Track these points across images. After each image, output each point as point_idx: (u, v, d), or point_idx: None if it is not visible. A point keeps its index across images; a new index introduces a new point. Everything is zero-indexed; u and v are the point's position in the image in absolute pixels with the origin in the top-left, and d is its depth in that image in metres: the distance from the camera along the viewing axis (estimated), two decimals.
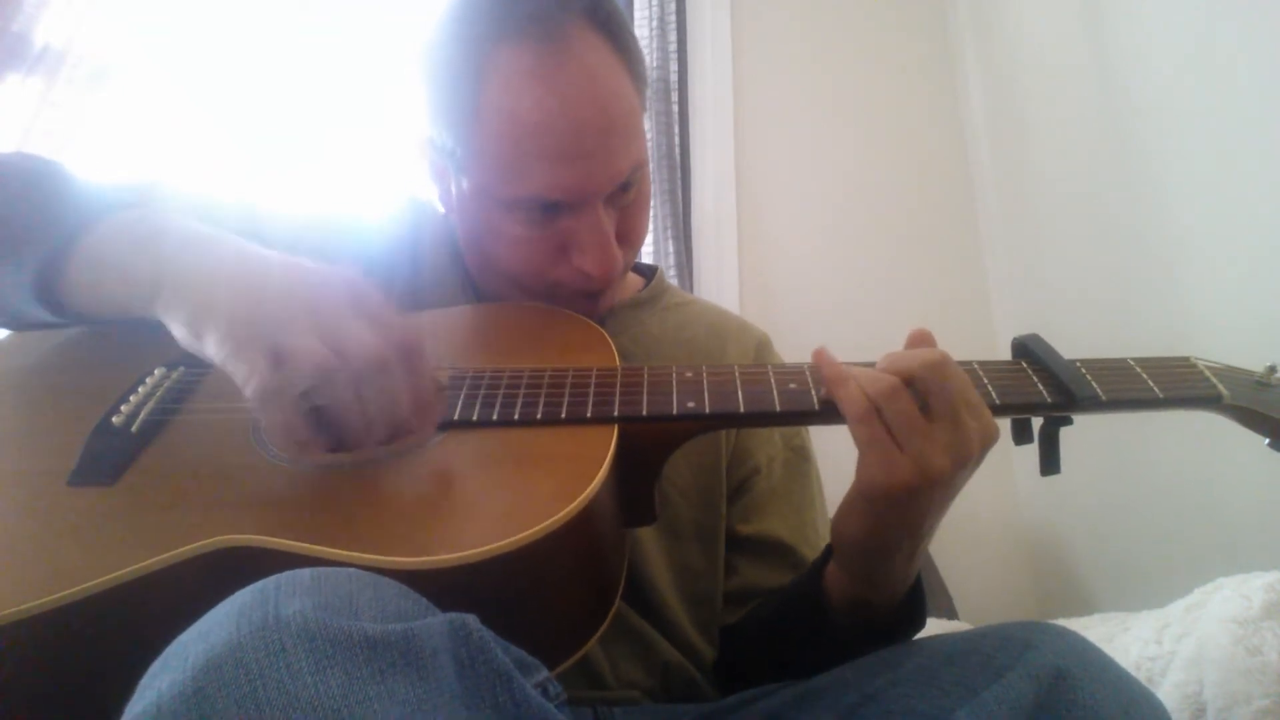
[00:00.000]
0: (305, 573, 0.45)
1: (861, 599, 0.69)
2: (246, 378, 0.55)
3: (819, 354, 0.65)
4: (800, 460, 0.92)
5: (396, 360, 0.57)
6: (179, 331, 0.60)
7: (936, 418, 0.60)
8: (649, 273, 0.98)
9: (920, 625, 0.73)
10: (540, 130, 0.72)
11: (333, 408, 0.56)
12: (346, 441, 0.58)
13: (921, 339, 0.66)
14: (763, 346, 0.95)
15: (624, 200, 0.79)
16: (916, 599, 0.72)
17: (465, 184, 0.79)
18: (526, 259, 0.78)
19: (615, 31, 0.76)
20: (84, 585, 0.52)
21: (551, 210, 0.75)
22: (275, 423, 0.56)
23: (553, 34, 0.72)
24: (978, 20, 2.16)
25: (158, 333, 0.71)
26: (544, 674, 0.50)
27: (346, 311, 0.57)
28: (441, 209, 0.89)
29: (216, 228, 0.65)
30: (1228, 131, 1.35)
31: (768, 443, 0.90)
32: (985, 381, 0.67)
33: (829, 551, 0.72)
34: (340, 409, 0.56)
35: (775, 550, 0.86)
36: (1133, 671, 0.59)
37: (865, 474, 0.62)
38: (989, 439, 0.62)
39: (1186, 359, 0.70)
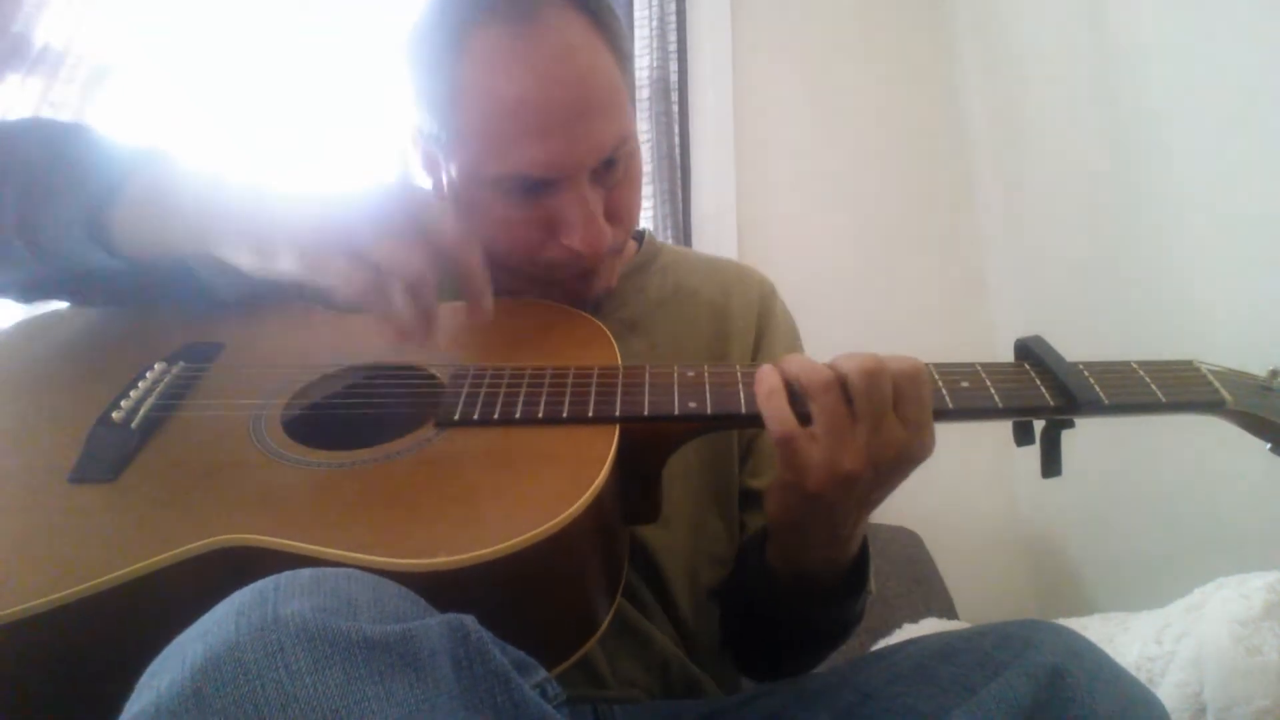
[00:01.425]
0: (304, 573, 0.45)
1: (796, 571, 0.72)
2: (343, 280, 0.58)
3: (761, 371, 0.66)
4: None
5: (452, 263, 0.64)
6: (245, 257, 0.62)
7: (859, 419, 0.61)
8: (639, 237, 0.98)
9: (859, 595, 0.75)
10: (517, 106, 0.72)
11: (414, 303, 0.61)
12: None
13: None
14: (767, 294, 0.96)
15: (611, 178, 0.79)
16: (855, 579, 0.74)
17: (453, 169, 0.79)
18: (516, 241, 0.78)
19: (594, 9, 0.77)
20: (83, 586, 0.52)
21: (536, 189, 0.76)
22: (386, 314, 0.60)
23: (528, 13, 0.73)
24: (978, 20, 2.16)
25: (157, 327, 0.71)
26: (542, 675, 0.50)
27: (410, 207, 0.62)
28: None
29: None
30: (1229, 131, 1.35)
31: None
32: (988, 383, 0.67)
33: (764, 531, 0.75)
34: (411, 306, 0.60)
35: None
36: (1133, 671, 0.59)
37: (780, 473, 0.65)
38: (913, 453, 0.62)
39: (1189, 362, 0.70)
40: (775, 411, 0.62)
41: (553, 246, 0.78)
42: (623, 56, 0.79)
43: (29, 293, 0.78)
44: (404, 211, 0.62)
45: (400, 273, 0.59)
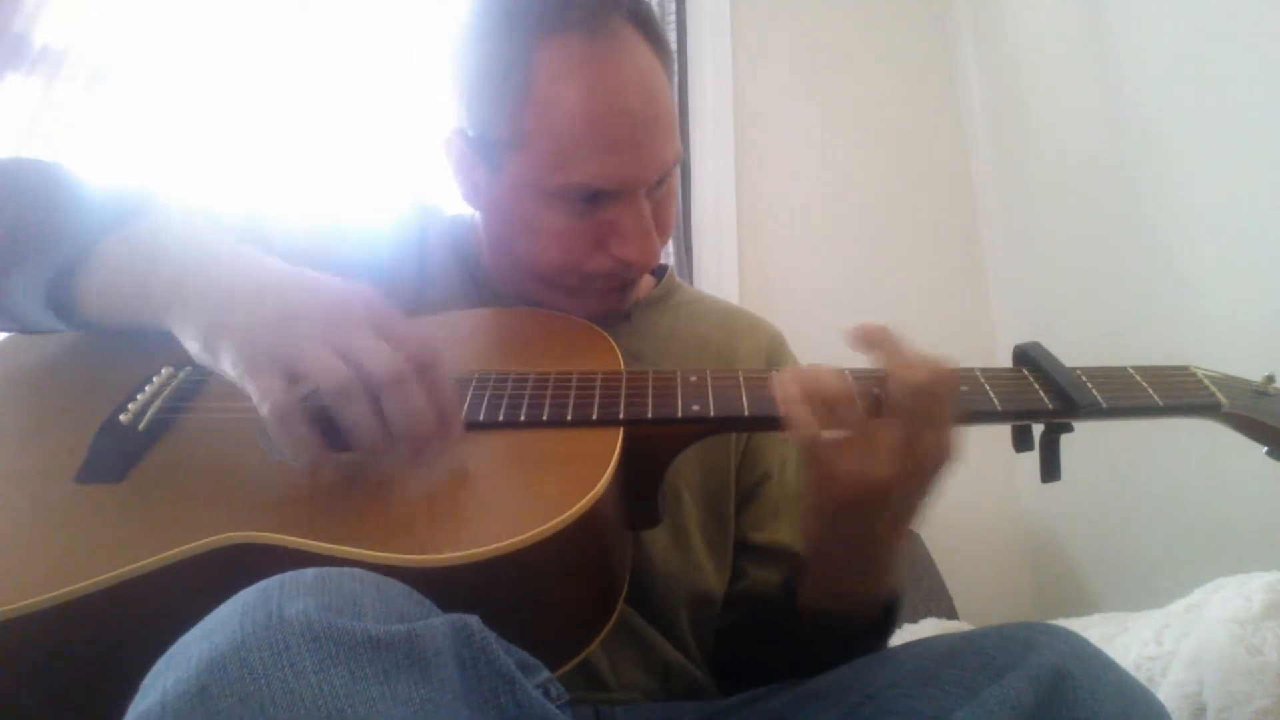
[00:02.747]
0: (309, 572, 0.45)
1: (829, 608, 0.70)
2: (261, 397, 0.56)
3: (789, 371, 0.65)
4: None
5: (415, 373, 0.57)
6: (193, 347, 0.61)
7: (888, 426, 0.61)
8: (659, 272, 0.99)
9: (884, 642, 0.75)
10: (592, 118, 0.73)
11: (351, 425, 0.56)
12: (366, 454, 0.58)
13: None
14: (775, 343, 0.96)
15: (659, 193, 0.80)
16: (887, 620, 0.73)
17: (504, 175, 0.79)
18: (564, 250, 0.79)
19: (653, 33, 0.79)
20: (90, 581, 0.53)
21: (593, 200, 0.76)
22: (289, 441, 0.57)
23: (600, 28, 0.74)
24: (978, 20, 2.16)
25: (165, 331, 0.70)
26: (546, 675, 0.50)
27: (362, 326, 0.57)
28: (455, 207, 0.89)
29: (227, 236, 0.65)
30: (1230, 133, 1.35)
31: (781, 443, 0.90)
32: (987, 388, 0.67)
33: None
34: (359, 426, 0.56)
35: (786, 559, 0.86)
36: (1133, 671, 0.59)
37: (811, 480, 0.64)
38: (940, 456, 0.62)
39: (1186, 368, 0.71)
40: (800, 416, 0.62)
41: (599, 257, 0.79)
42: (673, 79, 0.82)
43: None
44: (367, 321, 0.58)
45: (327, 383, 0.55)
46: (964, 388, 0.67)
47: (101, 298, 0.66)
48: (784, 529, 0.87)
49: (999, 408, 0.66)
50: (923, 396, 0.61)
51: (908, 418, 0.61)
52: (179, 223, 0.67)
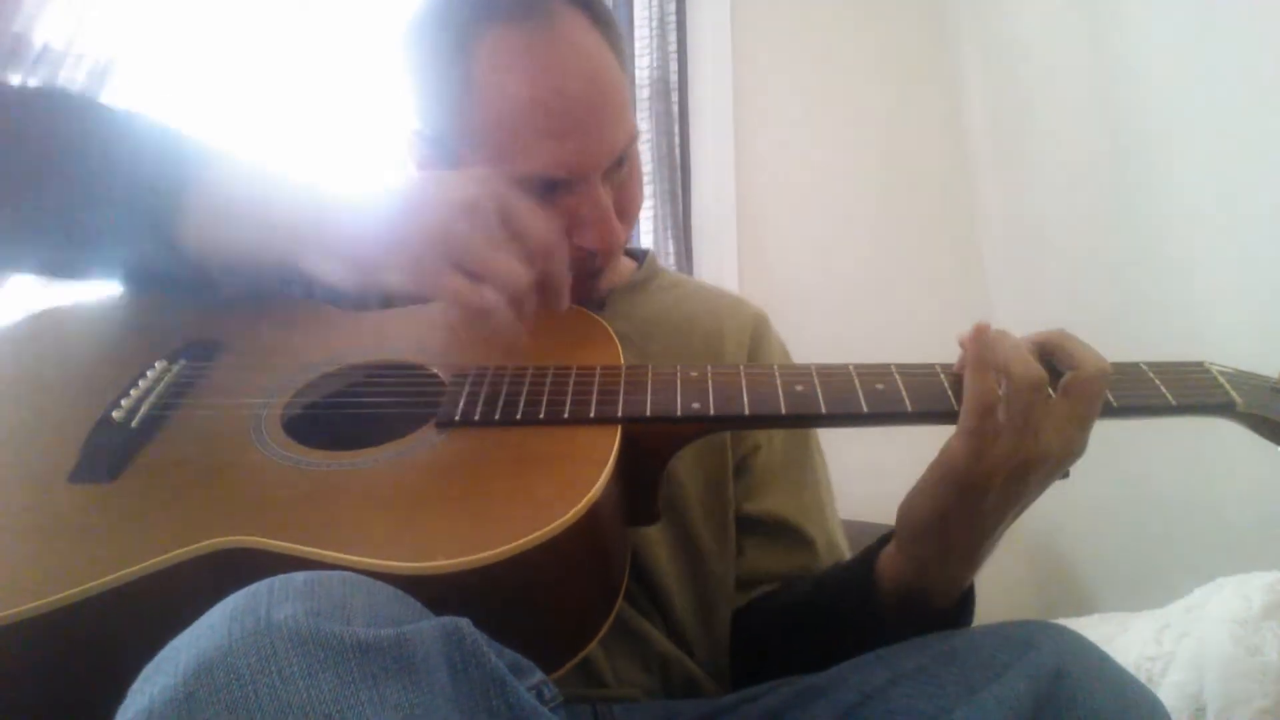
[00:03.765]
0: (298, 577, 0.45)
1: (915, 588, 0.68)
2: (456, 299, 0.60)
3: (979, 329, 0.63)
4: (800, 434, 0.91)
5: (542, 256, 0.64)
6: (346, 276, 0.63)
7: (1049, 415, 0.60)
8: (640, 256, 0.98)
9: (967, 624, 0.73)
10: (535, 106, 0.72)
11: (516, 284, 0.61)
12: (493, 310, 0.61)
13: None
14: (760, 323, 0.95)
15: (619, 176, 0.79)
16: (966, 606, 0.72)
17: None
18: None
19: (596, 11, 0.77)
20: (81, 588, 0.52)
21: (549, 189, 0.75)
22: (489, 327, 0.61)
23: (537, 13, 0.73)
24: (978, 20, 2.16)
25: (159, 325, 0.70)
26: (539, 677, 0.50)
27: (494, 216, 0.62)
28: None
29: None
30: (1230, 132, 1.35)
31: None
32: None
33: (883, 539, 0.71)
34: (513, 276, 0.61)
35: (779, 529, 0.85)
36: (1133, 671, 0.59)
37: (950, 458, 0.61)
38: (1076, 451, 0.61)
39: (1200, 364, 0.68)
40: (984, 385, 0.60)
41: (564, 247, 0.78)
42: (621, 55, 0.80)
43: (48, 270, 0.78)
44: (499, 214, 0.62)
45: (510, 288, 0.60)
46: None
47: (215, 237, 0.67)
48: (776, 498, 0.86)
49: None
50: (1088, 390, 0.61)
51: (1064, 408, 0.60)
52: (267, 162, 0.70)
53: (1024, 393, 0.58)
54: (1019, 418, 0.58)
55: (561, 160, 0.73)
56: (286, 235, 0.64)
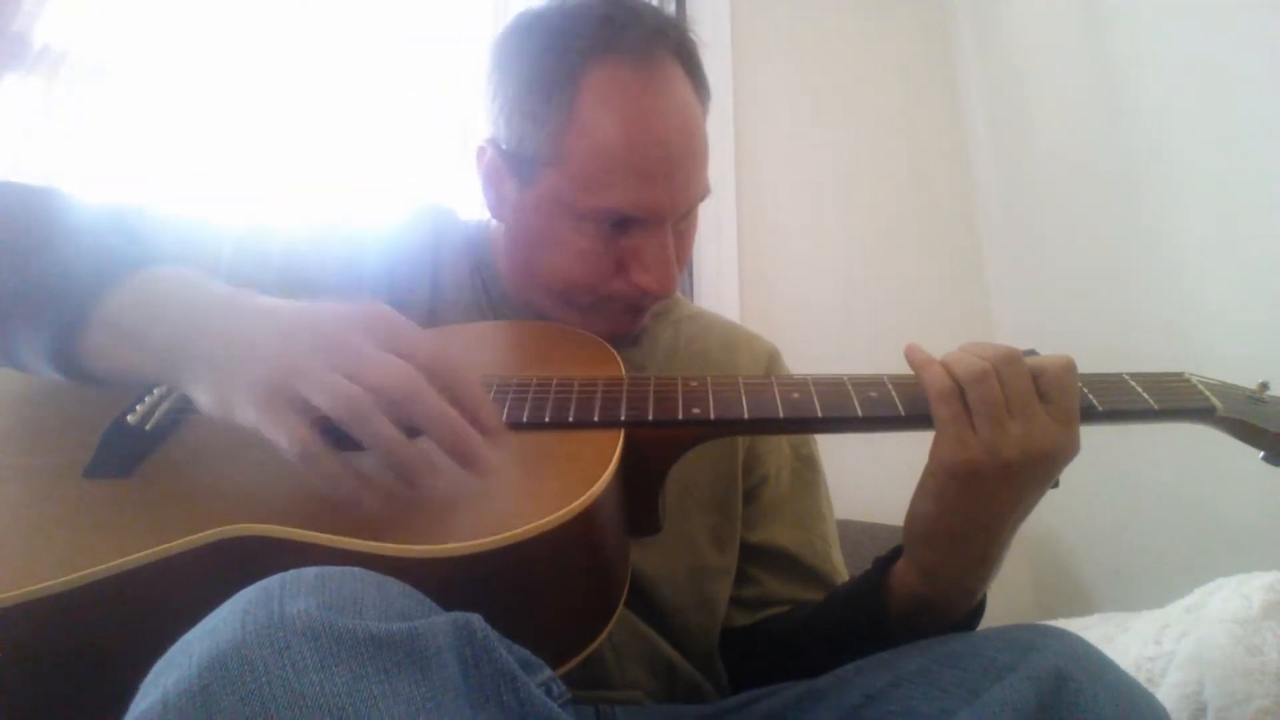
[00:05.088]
0: (310, 571, 0.45)
1: (925, 599, 0.70)
2: (288, 445, 0.52)
3: (909, 349, 0.68)
4: (808, 470, 0.94)
5: (432, 377, 0.54)
6: (209, 406, 0.57)
7: (1013, 411, 0.63)
8: None
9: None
10: (632, 147, 0.74)
11: (373, 443, 0.52)
12: (418, 484, 0.54)
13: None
14: (773, 359, 0.97)
15: (682, 225, 0.82)
16: (973, 623, 0.73)
17: (535, 191, 0.79)
18: (586, 271, 0.79)
19: (696, 70, 0.80)
20: (96, 569, 0.53)
21: (621, 226, 0.77)
22: (325, 482, 0.54)
23: (648, 58, 0.75)
24: (978, 20, 2.16)
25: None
26: (548, 673, 0.50)
27: (366, 343, 0.54)
28: (477, 214, 0.89)
29: (218, 284, 0.62)
30: (1229, 134, 1.35)
31: (777, 452, 0.91)
32: None
33: (894, 553, 0.73)
34: (381, 441, 0.52)
35: (782, 560, 0.87)
36: (1132, 671, 0.59)
37: (937, 450, 0.65)
38: (1064, 447, 0.63)
39: (1180, 374, 0.72)
40: (934, 374, 0.65)
41: (618, 282, 0.80)
42: (706, 114, 0.83)
43: None
44: (364, 335, 0.55)
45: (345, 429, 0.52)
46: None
47: (104, 356, 0.62)
48: (778, 530, 0.88)
49: None
50: (1021, 374, 0.63)
51: (1019, 397, 0.63)
52: (167, 280, 0.63)
53: (974, 385, 0.63)
54: (983, 406, 0.62)
55: (643, 202, 0.76)
56: (160, 359, 0.59)
